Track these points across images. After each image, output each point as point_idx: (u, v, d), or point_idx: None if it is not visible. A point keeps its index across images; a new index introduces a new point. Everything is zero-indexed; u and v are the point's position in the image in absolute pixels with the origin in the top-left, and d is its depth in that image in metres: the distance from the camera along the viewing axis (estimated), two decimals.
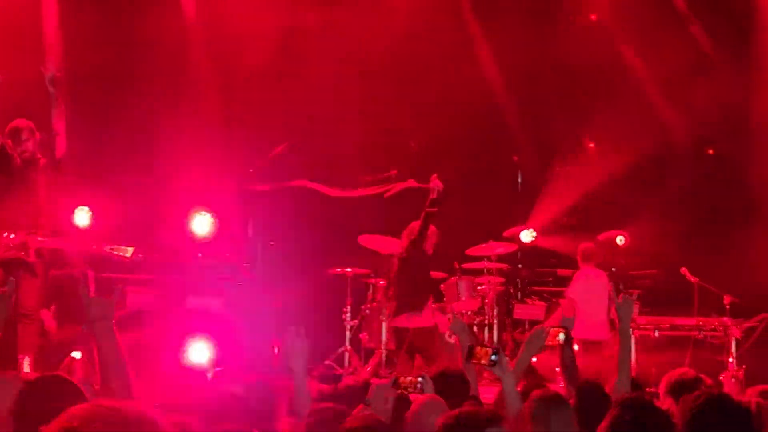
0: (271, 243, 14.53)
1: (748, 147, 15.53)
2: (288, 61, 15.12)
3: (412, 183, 15.00)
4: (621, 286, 11.20)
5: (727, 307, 12.80)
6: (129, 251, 11.34)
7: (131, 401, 2.62)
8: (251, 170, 14.69)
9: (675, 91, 16.00)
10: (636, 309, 6.35)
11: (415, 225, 12.44)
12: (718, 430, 4.27)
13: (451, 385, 6.46)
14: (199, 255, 13.43)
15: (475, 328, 13.12)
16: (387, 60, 15.30)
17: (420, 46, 15.45)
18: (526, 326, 14.64)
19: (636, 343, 12.29)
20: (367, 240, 14.07)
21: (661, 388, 7.17)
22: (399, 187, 14.74)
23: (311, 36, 15.54)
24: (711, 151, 16.28)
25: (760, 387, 7.39)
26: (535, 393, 5.52)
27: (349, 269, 14.01)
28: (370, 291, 13.81)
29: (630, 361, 5.81)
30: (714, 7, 15.96)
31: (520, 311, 14.43)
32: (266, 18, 14.68)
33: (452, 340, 9.75)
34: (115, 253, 11.29)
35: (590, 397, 5.93)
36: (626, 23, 16.17)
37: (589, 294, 13.17)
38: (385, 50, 15.20)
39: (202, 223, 13.01)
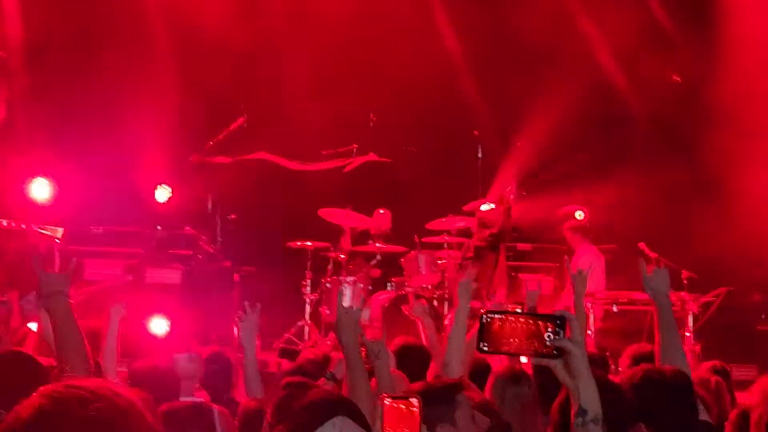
0: (231, 216, 14.46)
1: (705, 121, 15.62)
2: (248, 36, 15.00)
3: (372, 157, 15.01)
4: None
5: (685, 282, 12.90)
6: (59, 231, 11.23)
7: (99, 380, 2.55)
8: (210, 143, 14.62)
9: (632, 65, 16.05)
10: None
11: None
12: (658, 404, 4.31)
13: (412, 358, 6.47)
14: (158, 228, 13.34)
15: (435, 302, 13.11)
16: (346, 33, 15.23)
17: (380, 19, 15.38)
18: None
19: (596, 318, 12.38)
20: (327, 213, 14.03)
21: (622, 363, 7.23)
22: (359, 161, 14.74)
23: (271, 11, 15.44)
24: (668, 126, 16.32)
25: (712, 362, 7.48)
26: (497, 370, 5.55)
27: (309, 243, 13.97)
28: (330, 264, 13.78)
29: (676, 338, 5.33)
30: None
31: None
32: None
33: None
34: (44, 232, 11.16)
35: (548, 374, 5.94)
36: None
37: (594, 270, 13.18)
38: (345, 23, 15.13)
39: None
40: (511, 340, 3.03)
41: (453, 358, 5.39)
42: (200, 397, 6.73)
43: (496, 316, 3.04)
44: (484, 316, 3.04)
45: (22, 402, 2.29)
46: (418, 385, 4.51)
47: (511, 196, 13.95)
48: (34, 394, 2.31)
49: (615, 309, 12.65)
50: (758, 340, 13.35)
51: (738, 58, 15.02)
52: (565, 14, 16.10)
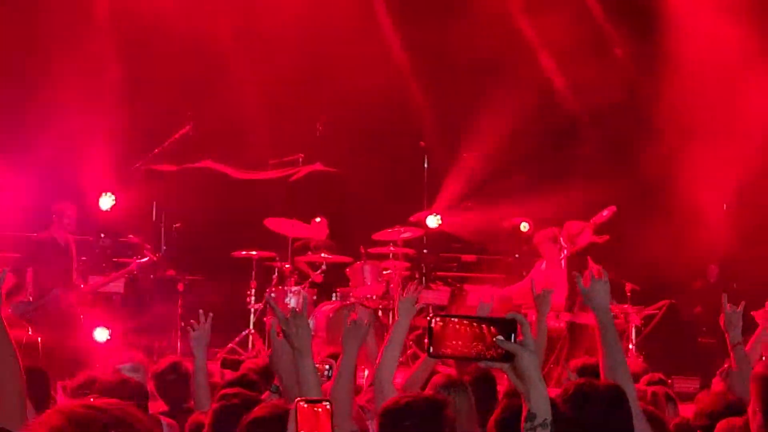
0: (176, 225, 14.37)
1: (648, 134, 15.79)
2: (195, 43, 14.94)
3: (318, 166, 14.98)
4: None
5: (628, 294, 13.01)
6: None
7: (118, 401, 2.40)
8: (156, 151, 14.53)
9: (577, 78, 16.18)
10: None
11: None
12: (590, 418, 4.31)
13: None
14: (102, 236, 13.23)
15: (380, 313, 13.11)
16: (295, 43, 15.23)
17: (328, 29, 15.36)
18: (430, 311, 14.71)
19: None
20: (273, 223, 13.98)
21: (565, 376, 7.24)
22: (305, 170, 14.70)
23: (219, 19, 15.37)
24: (612, 139, 16.46)
25: (651, 375, 7.53)
26: (435, 379, 5.52)
27: (254, 252, 13.91)
28: (275, 274, 13.73)
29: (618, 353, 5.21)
30: None
31: (424, 296, 14.44)
32: None
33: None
34: None
35: (484, 386, 5.96)
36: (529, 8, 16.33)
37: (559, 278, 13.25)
38: (293, 33, 15.12)
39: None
40: (455, 342, 3.02)
41: (384, 375, 5.33)
42: (159, 408, 6.68)
43: (439, 318, 3.04)
44: (431, 320, 3.04)
45: (38, 419, 2.18)
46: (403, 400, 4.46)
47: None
48: (51, 411, 2.20)
49: (559, 319, 12.71)
50: (700, 353, 13.47)
51: (680, 71, 15.18)
52: (512, 28, 16.19)
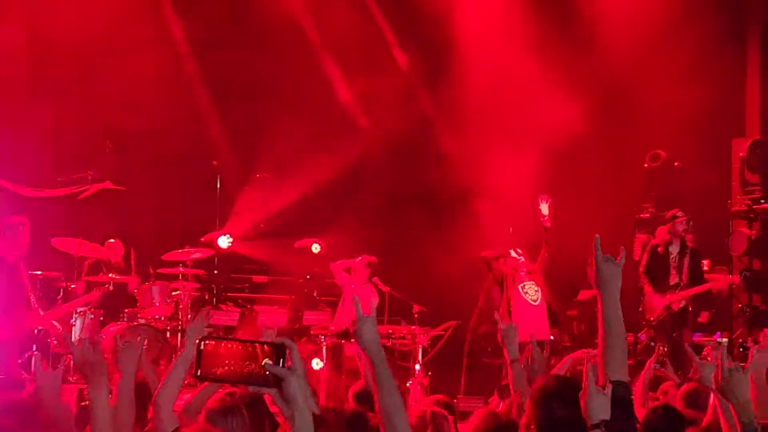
0: None
1: (438, 159, 16.18)
2: None
3: (108, 185, 14.67)
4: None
5: (416, 315, 13.22)
6: None
7: None
8: None
9: (371, 106, 16.44)
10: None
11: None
12: None
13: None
14: None
15: (168, 334, 12.93)
16: (84, 57, 14.91)
17: (119, 46, 15.12)
18: (222, 332, 14.62)
19: (327, 351, 12.53)
20: (59, 242, 13.61)
21: (350, 397, 7.33)
22: (94, 188, 14.38)
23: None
24: (403, 163, 16.74)
25: (437, 396, 7.67)
26: (209, 404, 5.49)
27: (38, 272, 13.49)
28: (60, 294, 13.34)
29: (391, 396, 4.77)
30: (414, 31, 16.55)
31: (214, 317, 14.38)
32: None
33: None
34: None
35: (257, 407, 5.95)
36: (328, 37, 16.49)
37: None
38: (83, 48, 14.79)
39: None
40: (226, 362, 3.04)
41: (162, 399, 5.23)
42: None
43: (211, 340, 3.06)
44: (201, 342, 3.05)
45: None
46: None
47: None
48: None
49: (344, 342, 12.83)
50: (485, 372, 13.80)
51: (473, 102, 15.61)
52: (307, 53, 16.33)
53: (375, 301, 13.28)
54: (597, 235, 4.08)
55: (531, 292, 12.42)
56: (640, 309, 13.26)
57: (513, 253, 12.51)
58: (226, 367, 3.01)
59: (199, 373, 3.03)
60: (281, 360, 3.02)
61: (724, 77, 14.76)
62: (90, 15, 14.70)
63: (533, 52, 15.02)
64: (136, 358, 4.98)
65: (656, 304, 13.12)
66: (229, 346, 3.03)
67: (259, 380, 3.02)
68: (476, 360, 14.42)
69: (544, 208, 12.35)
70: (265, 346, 3.02)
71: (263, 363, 3.00)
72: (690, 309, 13.15)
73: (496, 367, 12.79)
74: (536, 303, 12.39)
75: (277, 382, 3.02)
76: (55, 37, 14.78)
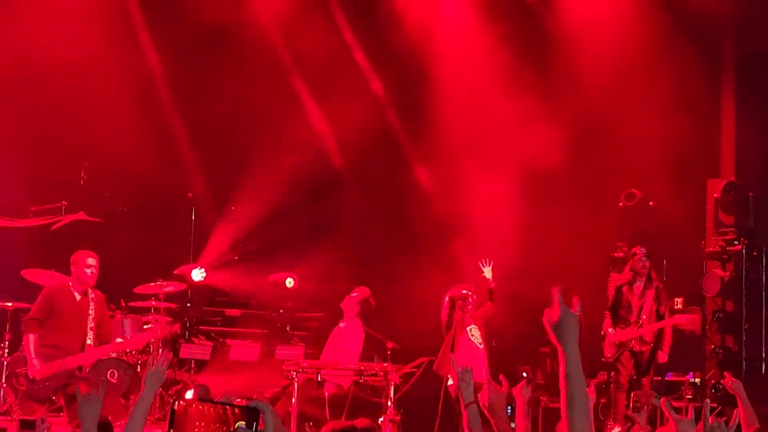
0: None
1: (412, 194, 16.21)
2: None
3: (81, 216, 14.62)
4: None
5: (389, 352, 13.16)
6: None
7: None
8: None
9: (347, 136, 16.45)
10: None
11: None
12: None
13: None
14: None
15: (138, 368, 12.83)
16: (61, 88, 14.84)
17: (95, 76, 15.07)
18: (192, 365, 14.55)
19: (300, 386, 12.44)
20: (30, 274, 13.50)
21: None
22: (68, 219, 14.32)
23: None
24: (378, 196, 16.75)
25: None
26: None
27: (9, 303, 13.38)
28: None
29: None
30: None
31: (186, 350, 14.32)
32: None
33: None
34: None
35: None
36: (304, 68, 16.53)
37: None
38: (60, 78, 14.76)
39: None
40: (197, 423, 3.02)
41: None
42: None
43: (182, 402, 3.05)
44: (174, 403, 3.04)
45: None
46: None
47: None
48: None
49: (319, 378, 12.74)
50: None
51: (448, 135, 15.66)
52: (284, 84, 16.35)
53: (360, 337, 13.34)
54: (556, 287, 3.94)
55: (477, 334, 12.48)
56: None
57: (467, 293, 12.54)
58: (197, 429, 3.00)
59: None
60: (254, 423, 3.01)
61: (699, 117, 14.84)
62: (66, 44, 14.66)
63: (510, 86, 15.10)
64: (97, 411, 4.94)
65: (610, 341, 13.22)
66: (200, 407, 3.02)
67: None
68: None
69: (488, 272, 12.46)
70: (236, 409, 3.01)
71: (236, 426, 2.99)
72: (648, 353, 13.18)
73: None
74: (481, 346, 12.46)
75: None
76: (30, 65, 14.75)
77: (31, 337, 11.19)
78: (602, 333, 13.31)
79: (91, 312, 11.40)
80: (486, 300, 12.54)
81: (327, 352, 13.55)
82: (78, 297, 11.43)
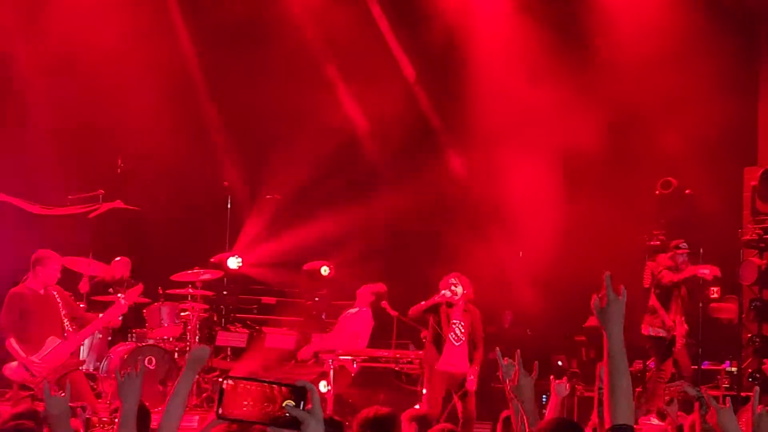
0: None
1: (447, 182, 16.18)
2: None
3: (119, 204, 14.69)
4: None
5: (424, 340, 13.17)
6: None
7: None
8: None
9: (377, 123, 16.46)
10: None
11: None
12: None
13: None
14: None
15: (176, 355, 12.93)
16: (97, 77, 14.94)
17: (131, 65, 15.15)
18: (228, 352, 14.65)
19: (335, 374, 12.50)
20: (68, 261, 13.60)
21: (354, 425, 7.28)
22: (105, 207, 14.39)
23: (10, 40, 14.93)
24: (413, 184, 16.74)
25: (442, 425, 7.63)
26: None
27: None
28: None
29: None
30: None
31: (222, 338, 14.39)
32: None
33: None
34: None
35: None
36: (338, 57, 16.54)
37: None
38: (96, 66, 14.86)
39: None
40: (245, 402, 3.06)
41: (165, 424, 5.19)
42: None
43: (230, 380, 3.08)
44: (223, 381, 3.07)
45: None
46: None
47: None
48: None
49: (355, 365, 12.81)
50: (494, 398, 13.73)
51: (484, 122, 15.64)
52: (316, 73, 16.37)
53: (369, 325, 13.41)
54: (608, 274, 4.02)
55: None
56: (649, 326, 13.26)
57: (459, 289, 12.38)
58: (245, 408, 3.04)
59: (220, 411, 3.06)
60: (302, 402, 3.04)
61: (736, 105, 14.73)
62: (102, 33, 14.77)
63: (545, 72, 15.05)
64: (137, 389, 4.96)
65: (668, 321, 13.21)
66: (248, 386, 3.06)
67: (279, 422, 3.03)
68: (485, 385, 14.35)
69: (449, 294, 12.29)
70: (284, 388, 3.04)
71: (284, 404, 3.03)
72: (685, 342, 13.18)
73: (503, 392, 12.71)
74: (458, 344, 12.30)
75: (296, 424, 3.04)
76: (69, 56, 14.86)
77: (13, 340, 11.14)
78: (655, 312, 13.25)
79: (58, 300, 11.42)
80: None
81: (335, 336, 13.63)
82: (41, 291, 11.42)
